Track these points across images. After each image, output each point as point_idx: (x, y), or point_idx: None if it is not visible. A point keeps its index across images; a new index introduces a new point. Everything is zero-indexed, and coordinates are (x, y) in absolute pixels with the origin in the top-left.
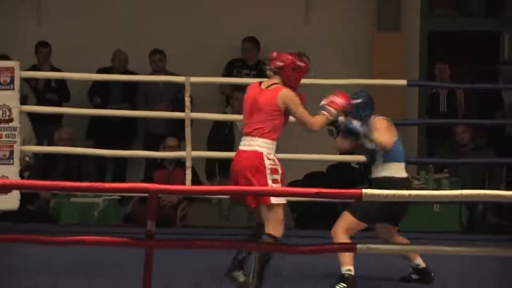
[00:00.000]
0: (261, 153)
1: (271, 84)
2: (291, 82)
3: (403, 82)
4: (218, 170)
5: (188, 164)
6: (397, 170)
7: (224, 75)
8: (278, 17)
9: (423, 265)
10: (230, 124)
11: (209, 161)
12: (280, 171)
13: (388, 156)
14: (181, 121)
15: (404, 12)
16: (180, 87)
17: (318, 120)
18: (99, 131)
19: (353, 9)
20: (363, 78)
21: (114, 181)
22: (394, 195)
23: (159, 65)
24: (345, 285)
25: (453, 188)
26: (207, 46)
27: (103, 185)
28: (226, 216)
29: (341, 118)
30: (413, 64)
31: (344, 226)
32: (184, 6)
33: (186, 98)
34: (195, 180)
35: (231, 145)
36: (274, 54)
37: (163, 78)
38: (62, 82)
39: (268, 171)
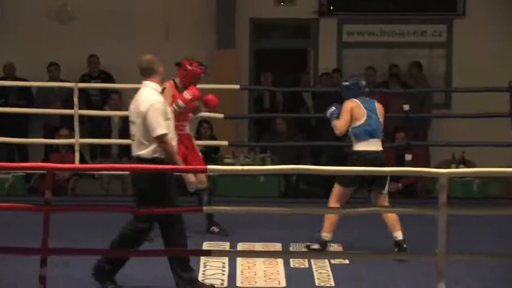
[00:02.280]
0: None
1: None
2: (182, 79)
3: (237, 86)
4: (100, 153)
5: (77, 148)
6: None
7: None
8: (143, 36)
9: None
10: (108, 118)
11: (93, 146)
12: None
13: None
14: (71, 116)
15: (237, 34)
16: (70, 91)
17: None
18: (5, 124)
19: (200, 32)
20: (208, 84)
21: (20, 161)
22: (231, 170)
23: (55, 74)
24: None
25: (274, 164)
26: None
27: (12, 164)
28: (106, 188)
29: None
30: (244, 73)
31: None
32: (75, 31)
33: (74, 99)
34: (82, 160)
35: (109, 134)
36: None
37: (58, 84)
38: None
39: None
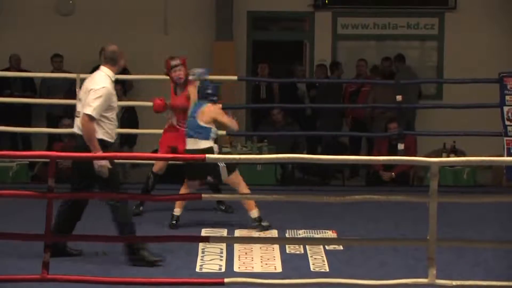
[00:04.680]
0: None
1: None
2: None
3: (235, 77)
4: None
5: None
6: None
7: None
8: (142, 28)
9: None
10: None
11: None
12: None
13: None
14: (74, 106)
15: (235, 27)
16: (73, 81)
17: None
18: (9, 114)
19: (199, 25)
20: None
21: (24, 150)
22: (229, 159)
23: (59, 65)
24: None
25: (270, 153)
26: (94, 53)
27: (17, 153)
28: None
29: None
30: (242, 64)
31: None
32: (76, 26)
33: (77, 89)
34: None
35: None
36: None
37: (62, 75)
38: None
39: None
